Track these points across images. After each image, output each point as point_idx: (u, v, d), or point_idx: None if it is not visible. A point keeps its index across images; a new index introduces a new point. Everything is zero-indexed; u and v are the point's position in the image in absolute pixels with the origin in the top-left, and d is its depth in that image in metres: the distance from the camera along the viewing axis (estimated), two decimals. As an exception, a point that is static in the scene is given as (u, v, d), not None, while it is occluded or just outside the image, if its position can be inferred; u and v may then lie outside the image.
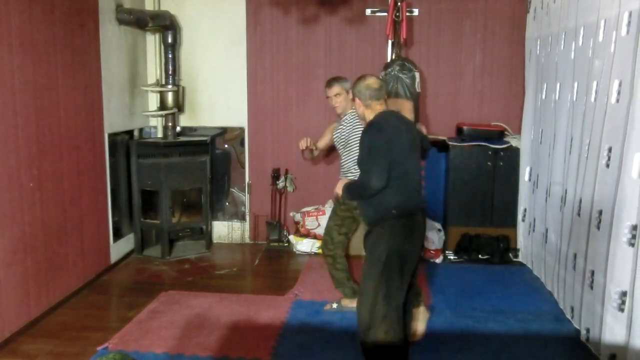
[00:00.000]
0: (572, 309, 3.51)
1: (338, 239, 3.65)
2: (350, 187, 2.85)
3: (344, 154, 3.57)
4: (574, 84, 3.60)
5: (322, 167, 5.23)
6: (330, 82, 3.61)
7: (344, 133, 3.54)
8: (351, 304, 3.52)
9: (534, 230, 4.46)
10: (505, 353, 3.20)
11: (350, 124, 3.51)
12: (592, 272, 3.09)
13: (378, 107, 2.82)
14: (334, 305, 3.72)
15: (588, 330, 3.18)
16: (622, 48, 2.85)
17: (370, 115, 2.82)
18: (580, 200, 3.38)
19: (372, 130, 2.72)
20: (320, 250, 4.97)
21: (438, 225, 4.85)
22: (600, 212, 3.01)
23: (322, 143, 3.85)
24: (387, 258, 2.64)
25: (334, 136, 3.67)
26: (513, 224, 4.80)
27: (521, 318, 3.63)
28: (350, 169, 3.48)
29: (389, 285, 2.65)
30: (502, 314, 3.68)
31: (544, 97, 4.26)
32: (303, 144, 3.63)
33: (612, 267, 2.83)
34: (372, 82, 2.84)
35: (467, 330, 3.47)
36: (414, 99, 4.37)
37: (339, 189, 2.92)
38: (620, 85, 2.85)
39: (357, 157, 3.15)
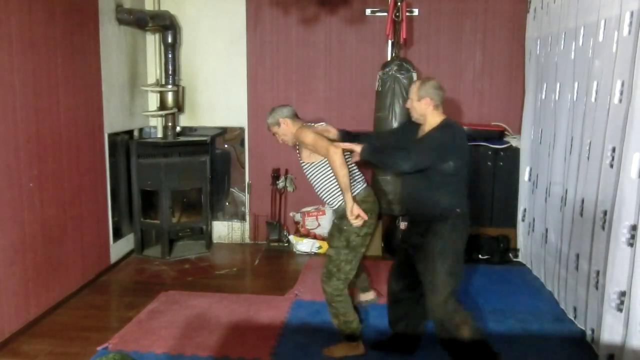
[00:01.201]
0: (575, 309, 3.51)
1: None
2: (378, 150, 2.90)
3: (314, 184, 3.16)
4: (574, 84, 3.60)
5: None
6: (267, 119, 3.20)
7: (305, 165, 3.13)
8: (366, 296, 3.73)
9: (533, 230, 4.46)
10: (505, 353, 3.19)
11: (297, 150, 3.15)
12: (598, 273, 3.08)
13: (441, 111, 2.87)
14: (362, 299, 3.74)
15: (593, 331, 3.18)
16: (624, 48, 2.85)
17: (435, 117, 2.83)
18: (583, 200, 3.37)
19: (447, 131, 2.79)
20: (320, 251, 4.98)
21: (438, 225, 4.84)
22: (605, 213, 3.01)
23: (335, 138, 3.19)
24: (454, 255, 2.77)
25: (302, 165, 3.19)
26: (513, 224, 4.80)
27: (521, 318, 3.63)
28: (326, 196, 3.12)
29: (457, 281, 2.82)
30: (502, 314, 3.68)
31: (543, 97, 4.26)
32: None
33: (611, 267, 2.83)
34: (438, 85, 2.86)
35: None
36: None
37: (356, 153, 2.91)
38: (622, 85, 2.86)
39: (315, 186, 3.12)
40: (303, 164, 3.13)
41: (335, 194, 3.06)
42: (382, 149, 3.00)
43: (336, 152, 2.86)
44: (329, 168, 2.98)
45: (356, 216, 2.91)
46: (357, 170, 3.15)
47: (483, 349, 2.84)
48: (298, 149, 3.14)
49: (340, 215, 3.06)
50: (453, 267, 2.77)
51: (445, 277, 2.76)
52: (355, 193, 2.99)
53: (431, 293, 2.79)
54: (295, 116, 3.17)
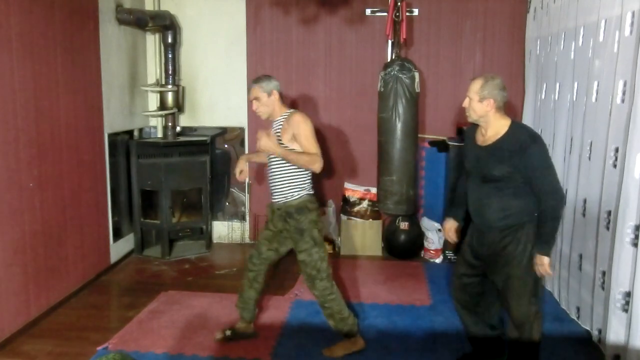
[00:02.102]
0: (578, 310, 3.51)
1: (266, 255, 3.21)
2: (552, 230, 2.60)
3: (268, 168, 3.10)
4: (574, 84, 3.60)
5: (322, 167, 5.22)
6: (252, 84, 3.09)
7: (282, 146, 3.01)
8: (246, 329, 3.34)
9: (533, 230, 4.46)
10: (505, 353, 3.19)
11: (277, 132, 3.03)
12: (603, 273, 3.08)
13: (504, 113, 2.65)
14: (228, 333, 3.30)
15: (600, 331, 3.17)
16: (626, 48, 2.85)
17: (500, 120, 2.61)
18: (585, 201, 3.37)
19: (541, 140, 2.59)
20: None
21: (438, 226, 4.85)
22: (609, 213, 3.01)
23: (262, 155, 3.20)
24: (530, 257, 2.65)
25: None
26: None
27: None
28: (272, 187, 3.08)
29: (540, 284, 2.77)
30: (501, 314, 3.67)
31: (543, 97, 4.26)
32: (242, 175, 3.17)
33: (616, 267, 2.83)
34: (503, 85, 2.62)
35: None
36: (414, 99, 4.38)
37: (545, 268, 2.60)
38: (625, 85, 2.86)
39: (279, 175, 3.02)
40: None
41: (297, 184, 3.03)
42: (545, 233, 2.62)
43: (320, 162, 2.94)
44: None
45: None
46: (309, 178, 3.11)
47: (538, 351, 2.81)
48: (278, 129, 3.02)
49: (297, 211, 3.00)
50: (535, 272, 2.68)
51: (530, 282, 2.69)
52: (298, 197, 3.02)
53: (516, 297, 2.71)
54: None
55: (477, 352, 3.06)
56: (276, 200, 3.09)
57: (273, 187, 3.09)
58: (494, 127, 2.63)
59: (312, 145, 2.94)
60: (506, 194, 2.62)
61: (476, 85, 2.61)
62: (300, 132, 2.94)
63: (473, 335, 3.01)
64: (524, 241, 2.65)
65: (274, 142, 2.92)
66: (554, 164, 2.71)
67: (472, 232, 2.87)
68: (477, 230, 2.81)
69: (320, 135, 5.19)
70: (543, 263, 2.59)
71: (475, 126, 2.76)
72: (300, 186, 3.05)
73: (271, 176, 3.08)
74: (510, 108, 5.03)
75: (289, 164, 3.00)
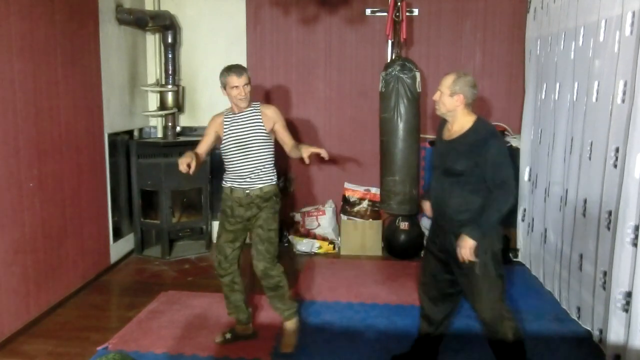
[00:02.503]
0: (579, 309, 3.51)
1: (233, 255, 3.21)
2: (489, 219, 2.57)
3: (239, 158, 3.10)
4: (574, 84, 3.60)
5: (322, 167, 5.23)
6: (239, 70, 3.03)
7: (246, 131, 3.09)
8: (245, 331, 3.34)
9: (532, 231, 4.46)
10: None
11: (254, 121, 3.10)
12: (605, 273, 3.07)
13: (471, 110, 2.69)
14: (228, 336, 3.30)
15: (601, 331, 3.17)
16: (627, 48, 2.85)
17: (467, 116, 2.66)
18: (585, 201, 3.37)
19: (500, 137, 2.66)
20: (320, 250, 4.99)
21: (438, 225, 4.84)
22: (610, 213, 3.00)
23: (205, 146, 3.21)
24: (493, 255, 2.66)
25: (226, 135, 3.13)
26: (513, 224, 4.79)
27: (521, 318, 3.62)
28: (249, 174, 3.09)
29: (504, 283, 2.74)
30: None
31: (543, 97, 4.26)
32: (184, 166, 3.00)
33: (617, 267, 2.83)
34: (474, 82, 2.66)
35: (467, 330, 3.47)
36: (415, 99, 4.38)
37: (466, 252, 2.56)
38: (625, 85, 2.85)
39: (259, 162, 3.09)
40: (259, 133, 3.10)
41: (272, 169, 3.17)
42: (483, 219, 2.60)
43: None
44: (274, 149, 3.19)
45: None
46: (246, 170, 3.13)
47: (522, 350, 2.79)
48: (253, 118, 3.12)
49: (276, 194, 3.18)
50: (501, 270, 2.69)
51: (493, 281, 2.68)
52: (276, 180, 3.20)
53: (477, 296, 2.70)
54: None
55: (415, 350, 3.06)
56: (256, 186, 3.11)
57: (252, 174, 3.10)
58: (459, 122, 2.69)
59: (289, 134, 3.20)
60: (466, 190, 2.64)
61: (448, 80, 2.67)
62: (281, 122, 3.17)
63: (428, 316, 2.97)
64: (483, 240, 2.63)
65: None
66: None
67: (433, 227, 2.91)
68: (439, 226, 2.83)
69: (320, 135, 5.22)
70: (464, 246, 2.57)
71: (445, 121, 2.81)
72: (275, 170, 3.21)
73: (249, 164, 3.10)
74: (511, 108, 5.04)
75: (270, 150, 3.16)
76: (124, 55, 4.75)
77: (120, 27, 4.64)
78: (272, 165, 3.18)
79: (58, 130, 3.79)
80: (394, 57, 4.65)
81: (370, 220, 5.03)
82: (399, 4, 4.48)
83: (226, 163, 3.18)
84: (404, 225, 4.80)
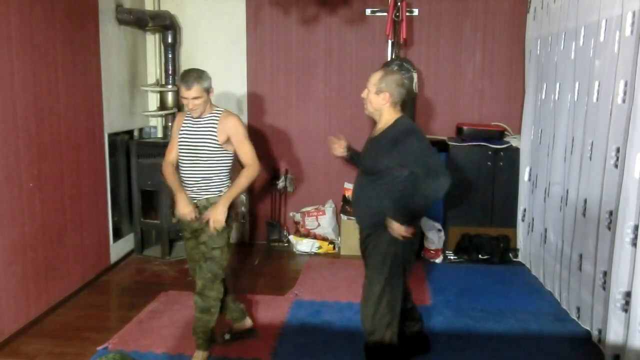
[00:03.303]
0: (579, 310, 3.51)
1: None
2: (414, 202, 2.53)
3: (187, 165, 2.95)
4: (575, 84, 3.60)
5: (322, 167, 5.23)
6: (190, 82, 2.80)
7: (197, 139, 2.92)
8: (243, 326, 3.33)
9: (532, 231, 4.46)
10: (507, 353, 3.19)
11: (208, 129, 2.92)
12: (605, 273, 3.08)
13: (398, 110, 2.67)
14: (227, 337, 3.27)
15: (600, 331, 3.17)
16: (627, 48, 2.85)
17: (391, 115, 2.63)
18: (585, 201, 3.37)
19: (419, 132, 2.60)
20: (320, 250, 4.99)
21: (438, 225, 4.85)
22: (610, 213, 3.01)
23: (176, 150, 3.03)
24: (392, 263, 2.61)
25: (180, 137, 2.98)
26: (513, 224, 4.80)
27: (521, 318, 3.63)
28: (196, 184, 2.95)
29: (394, 291, 2.63)
30: (502, 314, 3.68)
31: (543, 97, 4.26)
32: (192, 217, 2.94)
33: (617, 267, 2.83)
34: (402, 81, 2.63)
35: (467, 330, 3.47)
36: (412, 99, 4.38)
37: (401, 230, 2.53)
38: (625, 85, 2.86)
39: (207, 172, 2.91)
40: (210, 143, 2.90)
41: (223, 181, 2.98)
42: (409, 203, 2.57)
43: (257, 167, 2.95)
44: (231, 162, 2.99)
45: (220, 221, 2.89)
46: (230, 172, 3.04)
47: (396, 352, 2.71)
48: (209, 126, 2.92)
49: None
50: (391, 277, 2.62)
51: (380, 287, 2.63)
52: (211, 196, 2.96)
53: (364, 300, 2.67)
54: None
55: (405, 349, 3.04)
56: (203, 196, 2.95)
57: (199, 184, 2.94)
58: (383, 121, 2.66)
59: (248, 149, 2.94)
60: (381, 191, 2.61)
61: (375, 78, 2.66)
62: (237, 137, 2.92)
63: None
64: (383, 242, 2.60)
65: (222, 214, 2.87)
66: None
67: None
68: (358, 223, 2.81)
69: (320, 135, 5.21)
70: (393, 228, 2.55)
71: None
72: (228, 181, 3.01)
73: (196, 173, 2.94)
74: (511, 108, 5.04)
75: (223, 162, 2.95)
76: (124, 55, 4.75)
77: (120, 27, 4.64)
78: (224, 177, 2.99)
79: (58, 130, 3.79)
80: (392, 58, 4.66)
81: (370, 220, 5.02)
82: (399, 4, 4.48)
83: (179, 166, 3.02)
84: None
